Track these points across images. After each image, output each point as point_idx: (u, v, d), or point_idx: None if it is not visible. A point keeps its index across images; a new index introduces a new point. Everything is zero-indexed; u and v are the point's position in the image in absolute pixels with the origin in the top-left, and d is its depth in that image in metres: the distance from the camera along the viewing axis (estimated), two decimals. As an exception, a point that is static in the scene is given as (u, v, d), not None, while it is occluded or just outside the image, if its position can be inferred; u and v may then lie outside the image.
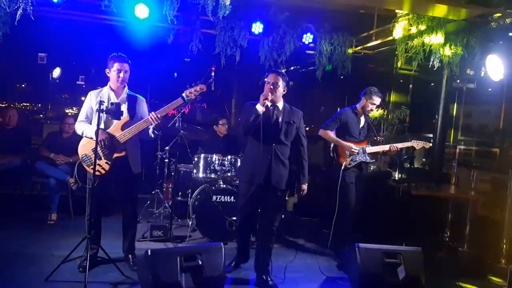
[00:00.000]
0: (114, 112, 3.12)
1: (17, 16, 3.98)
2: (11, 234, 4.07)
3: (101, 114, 3.09)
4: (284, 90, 3.31)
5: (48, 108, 8.70)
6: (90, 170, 3.29)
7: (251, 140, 3.34)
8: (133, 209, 3.55)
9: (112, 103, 3.19)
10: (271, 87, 3.21)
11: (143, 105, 3.49)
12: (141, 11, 4.25)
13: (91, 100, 3.37)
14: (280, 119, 3.30)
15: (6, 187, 4.96)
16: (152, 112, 3.23)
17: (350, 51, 5.47)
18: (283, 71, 3.74)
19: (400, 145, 4.08)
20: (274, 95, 3.22)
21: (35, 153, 4.91)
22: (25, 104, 9.64)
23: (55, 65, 7.61)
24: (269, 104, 3.20)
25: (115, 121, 3.27)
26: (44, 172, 4.63)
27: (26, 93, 9.59)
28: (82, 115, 3.39)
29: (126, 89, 3.43)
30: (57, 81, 8.02)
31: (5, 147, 4.70)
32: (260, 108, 3.11)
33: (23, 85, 9.65)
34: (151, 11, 4.31)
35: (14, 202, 4.76)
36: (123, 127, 3.28)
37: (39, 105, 9.51)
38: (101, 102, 3.08)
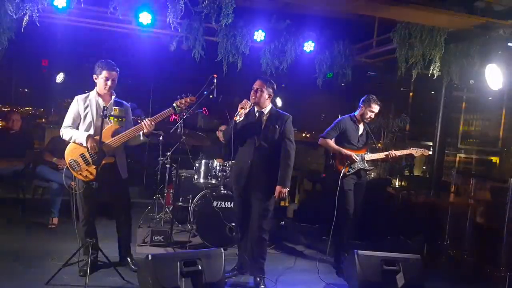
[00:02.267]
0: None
1: (24, 22, 4.01)
2: (12, 238, 4.10)
3: (95, 119, 3.16)
4: (269, 96, 3.42)
5: (51, 112, 8.75)
6: (78, 175, 3.28)
7: (238, 145, 3.44)
8: (126, 213, 3.56)
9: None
10: (254, 92, 3.38)
11: (129, 112, 3.51)
12: (145, 19, 4.31)
13: (78, 105, 3.33)
14: (263, 124, 3.39)
15: (8, 191, 4.99)
16: (147, 119, 3.28)
17: (350, 59, 5.52)
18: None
19: (398, 153, 4.11)
20: (258, 100, 3.37)
21: (38, 157, 4.94)
22: (27, 108, 9.71)
23: (59, 70, 7.66)
24: (244, 112, 3.29)
25: (105, 127, 3.24)
26: (46, 176, 4.65)
27: (29, 97, 9.65)
28: (68, 120, 3.32)
29: (114, 95, 3.44)
30: (61, 86, 8.07)
31: (8, 151, 4.72)
32: (238, 116, 3.26)
33: (26, 90, 9.72)
34: (155, 19, 4.37)
35: (15, 206, 4.79)
36: (113, 134, 3.30)
37: (42, 109, 9.57)
38: (104, 108, 3.14)
